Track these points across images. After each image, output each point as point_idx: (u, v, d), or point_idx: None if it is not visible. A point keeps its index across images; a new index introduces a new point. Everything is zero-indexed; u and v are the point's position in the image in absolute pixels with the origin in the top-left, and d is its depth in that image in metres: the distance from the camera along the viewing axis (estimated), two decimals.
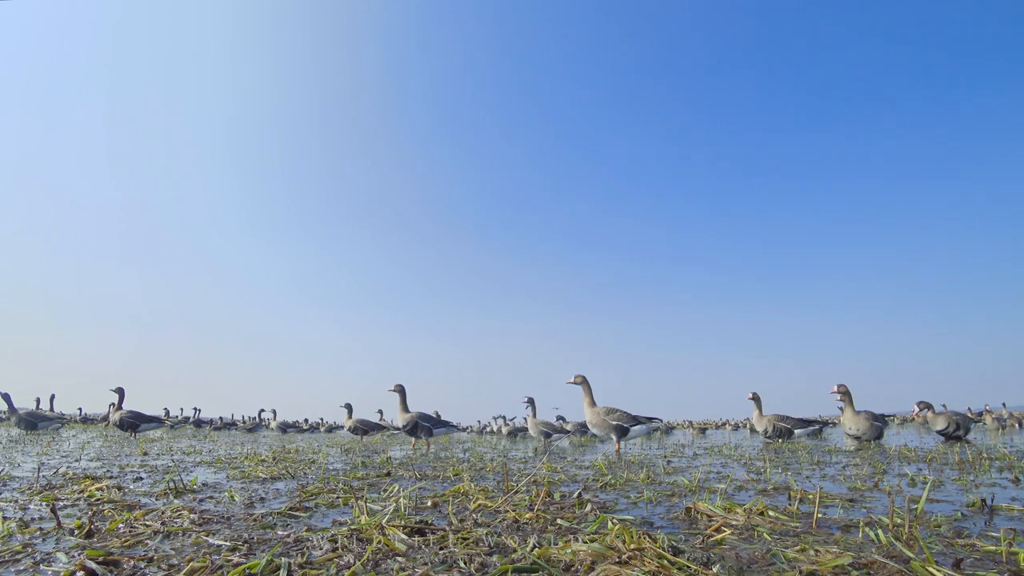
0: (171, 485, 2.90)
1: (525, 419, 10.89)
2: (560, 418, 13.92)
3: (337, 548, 1.55)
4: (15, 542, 1.66)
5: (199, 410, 20.83)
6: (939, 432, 8.63)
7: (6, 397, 12.75)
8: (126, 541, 1.66)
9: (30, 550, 1.57)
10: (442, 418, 9.00)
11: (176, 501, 2.49)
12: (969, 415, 17.91)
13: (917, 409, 9.08)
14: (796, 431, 8.99)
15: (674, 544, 1.58)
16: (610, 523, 1.81)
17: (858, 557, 1.47)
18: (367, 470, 4.08)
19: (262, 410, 20.19)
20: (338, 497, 2.59)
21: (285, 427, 18.44)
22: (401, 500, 2.29)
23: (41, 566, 1.43)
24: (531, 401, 10.58)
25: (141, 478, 3.45)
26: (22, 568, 1.42)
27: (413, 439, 8.80)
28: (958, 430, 8.46)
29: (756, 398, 9.62)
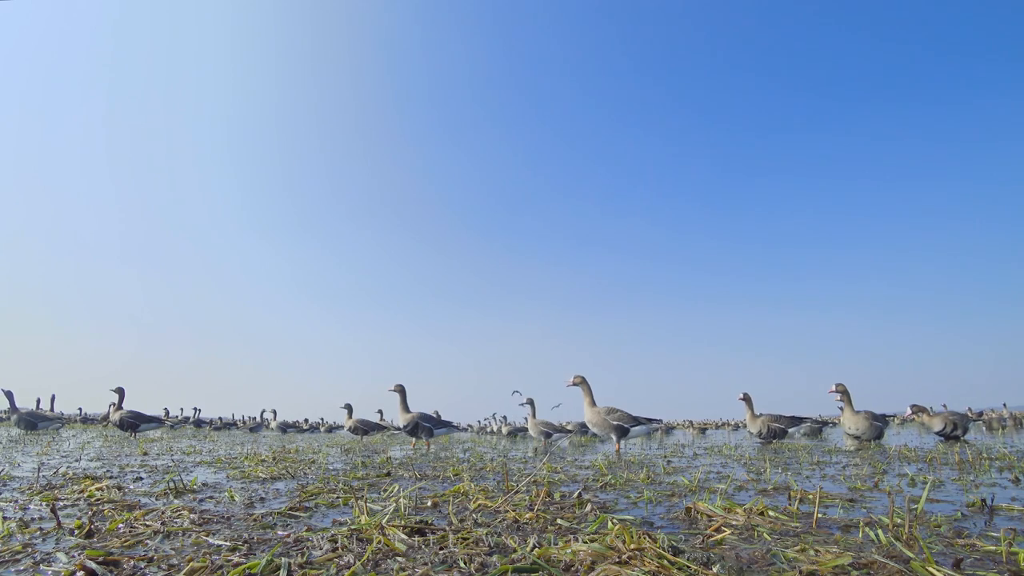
0: (171, 485, 2.90)
1: (525, 419, 10.89)
2: (561, 426, 13.91)
3: (337, 548, 1.55)
4: (15, 542, 1.66)
5: (199, 410, 20.83)
6: (936, 433, 8.63)
7: (9, 395, 12.76)
8: (126, 541, 1.66)
9: (30, 550, 1.57)
10: (442, 418, 9.00)
11: (176, 501, 2.49)
12: (969, 415, 17.93)
13: (910, 412, 9.06)
14: (790, 430, 8.94)
15: (674, 544, 1.58)
16: (610, 523, 1.81)
17: (858, 557, 1.47)
18: (367, 470, 4.08)
19: (264, 410, 20.21)
20: (338, 497, 2.59)
21: (285, 427, 18.45)
22: (401, 500, 2.29)
23: (41, 566, 1.43)
24: (531, 401, 10.59)
25: (141, 478, 3.45)
26: (22, 568, 1.42)
27: (413, 439, 8.80)
28: (955, 430, 8.46)
29: (747, 399, 9.37)
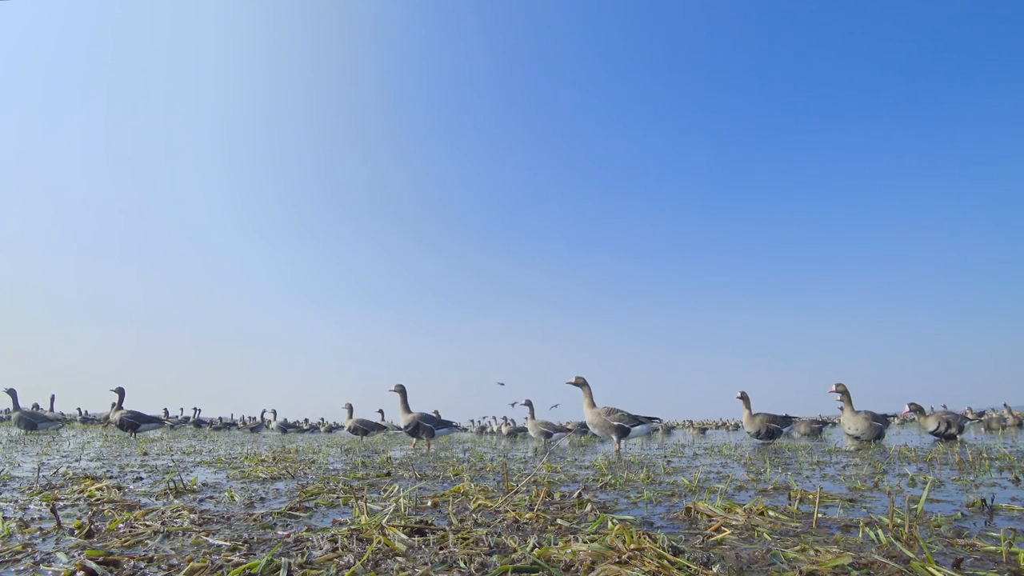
0: (171, 485, 2.90)
1: (525, 419, 10.90)
2: (561, 426, 13.92)
3: (337, 548, 1.55)
4: (15, 542, 1.66)
5: (199, 410, 20.82)
6: (931, 433, 8.61)
7: (12, 393, 12.78)
8: (126, 541, 1.66)
9: (30, 550, 1.57)
10: (443, 418, 9.01)
11: (176, 501, 2.49)
12: (968, 415, 17.89)
13: (907, 409, 9.03)
14: (784, 429, 8.92)
15: (674, 544, 1.58)
16: (610, 523, 1.81)
17: (858, 557, 1.47)
18: (367, 470, 4.08)
19: (264, 410, 20.23)
20: (338, 497, 2.59)
21: (285, 427, 18.46)
22: (401, 500, 2.29)
23: (41, 566, 1.43)
24: (529, 403, 10.60)
25: (141, 478, 3.45)
26: (22, 568, 1.42)
27: (414, 439, 8.80)
28: (949, 429, 8.45)
29: (744, 397, 9.24)
